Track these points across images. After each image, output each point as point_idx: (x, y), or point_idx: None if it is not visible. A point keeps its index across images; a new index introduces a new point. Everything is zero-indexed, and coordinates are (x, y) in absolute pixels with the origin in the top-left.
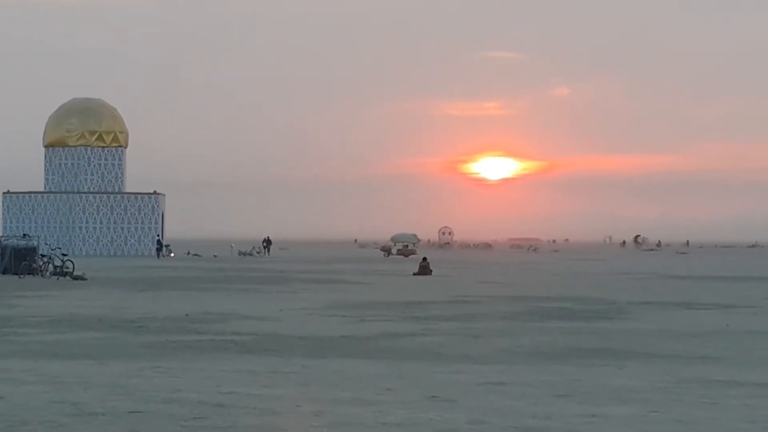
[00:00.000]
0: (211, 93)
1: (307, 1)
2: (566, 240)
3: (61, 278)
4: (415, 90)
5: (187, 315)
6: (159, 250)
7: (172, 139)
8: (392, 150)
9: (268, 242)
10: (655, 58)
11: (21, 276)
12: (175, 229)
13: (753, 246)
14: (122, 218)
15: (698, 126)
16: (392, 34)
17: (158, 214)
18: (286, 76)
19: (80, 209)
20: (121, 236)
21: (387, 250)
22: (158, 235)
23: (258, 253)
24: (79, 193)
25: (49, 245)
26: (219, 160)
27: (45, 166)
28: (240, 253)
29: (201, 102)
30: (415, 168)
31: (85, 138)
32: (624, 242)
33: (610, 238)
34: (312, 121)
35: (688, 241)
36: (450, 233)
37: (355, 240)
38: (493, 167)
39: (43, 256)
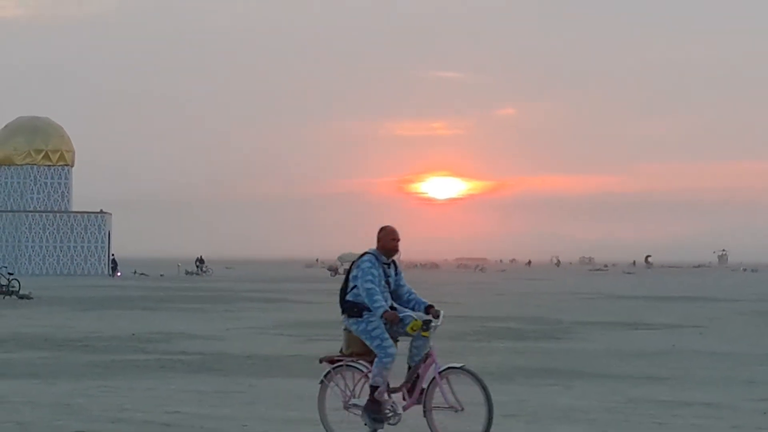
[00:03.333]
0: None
1: (256, 21)
2: (512, 260)
3: (7, 297)
4: (361, 110)
5: (133, 334)
6: (114, 269)
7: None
8: (339, 169)
9: (200, 261)
10: (600, 78)
11: None
12: (121, 248)
13: (698, 266)
14: (69, 237)
15: (644, 146)
16: (339, 54)
17: (105, 233)
18: (233, 95)
19: (26, 228)
20: (67, 255)
21: (334, 270)
22: (113, 255)
23: (204, 272)
24: (25, 212)
25: None
26: (166, 179)
27: None
28: (187, 272)
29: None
30: (363, 187)
31: (32, 156)
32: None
33: (558, 259)
34: (260, 139)
35: (634, 261)
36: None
37: (317, 260)
38: (441, 187)
39: None
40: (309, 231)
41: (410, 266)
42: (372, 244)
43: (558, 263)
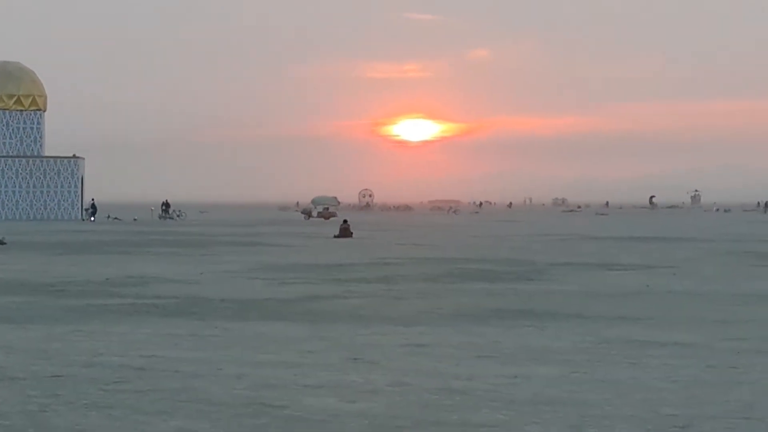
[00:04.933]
0: (131, 55)
1: None
2: (488, 202)
3: None
4: (334, 52)
5: (107, 279)
6: (93, 213)
7: (91, 102)
8: (312, 112)
9: (166, 206)
10: (573, 20)
11: None
12: (95, 192)
13: (672, 207)
14: (42, 182)
15: (616, 87)
16: None
17: (78, 178)
18: (206, 39)
19: None
20: (40, 200)
21: (307, 213)
22: (92, 199)
23: (179, 216)
24: None
25: None
26: (138, 124)
27: None
28: (160, 217)
29: (121, 63)
30: (335, 130)
31: (3, 101)
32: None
33: (530, 200)
34: (232, 83)
35: (607, 202)
36: (370, 195)
37: (297, 203)
38: (414, 129)
39: None
40: (282, 174)
41: (384, 209)
42: (345, 187)
43: (533, 203)
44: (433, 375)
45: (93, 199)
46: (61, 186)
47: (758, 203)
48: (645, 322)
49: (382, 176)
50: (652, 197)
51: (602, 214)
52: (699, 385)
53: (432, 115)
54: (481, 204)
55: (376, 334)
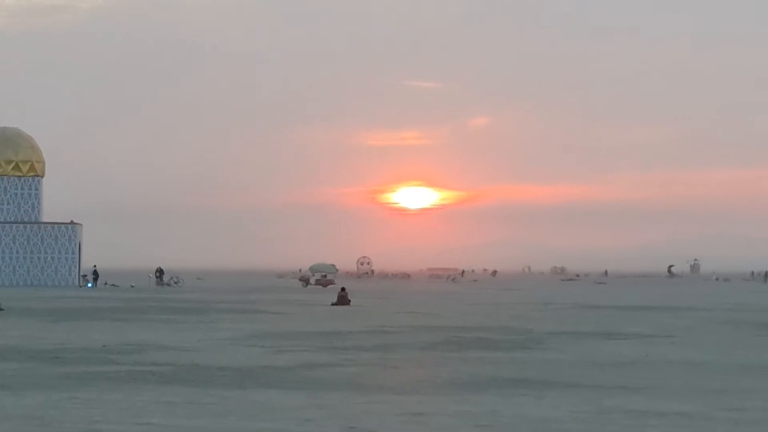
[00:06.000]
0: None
1: (227, 30)
2: (485, 270)
3: None
4: (334, 119)
5: (104, 345)
6: (95, 279)
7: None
8: (312, 179)
9: (160, 272)
10: (572, 88)
11: None
12: (92, 258)
13: (672, 275)
14: (39, 248)
15: (617, 155)
16: (312, 64)
17: (75, 244)
18: (204, 105)
19: None
20: (38, 266)
21: (305, 280)
22: (94, 265)
23: (176, 283)
24: None
25: None
26: (138, 189)
27: None
28: (157, 284)
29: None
30: (335, 197)
31: (1, 167)
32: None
33: (529, 268)
34: (231, 149)
35: (606, 271)
36: (368, 263)
37: (300, 270)
38: (413, 197)
39: None
40: (280, 240)
41: (382, 277)
42: (343, 254)
43: (531, 271)
44: None
45: (95, 266)
46: (59, 252)
47: (752, 273)
48: (644, 391)
49: (380, 244)
50: (671, 266)
51: (601, 283)
52: None
53: (431, 182)
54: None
55: (373, 403)
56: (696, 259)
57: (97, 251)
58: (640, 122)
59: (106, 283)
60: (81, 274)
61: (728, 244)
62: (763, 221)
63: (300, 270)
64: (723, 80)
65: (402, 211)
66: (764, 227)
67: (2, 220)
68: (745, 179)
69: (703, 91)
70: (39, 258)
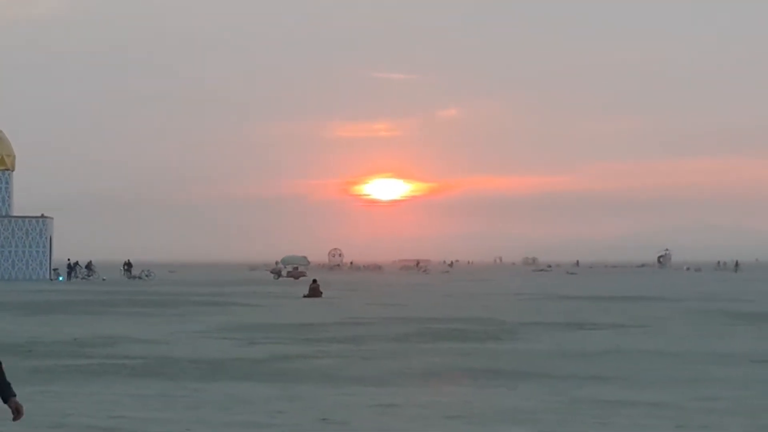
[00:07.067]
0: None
1: (197, 21)
2: (456, 261)
3: None
4: (303, 111)
5: (76, 339)
6: (69, 273)
7: (60, 161)
8: (282, 171)
9: (128, 265)
10: (542, 79)
11: None
12: (63, 252)
13: (642, 266)
14: (10, 242)
15: (586, 146)
16: (281, 55)
17: (46, 238)
18: (173, 96)
19: None
20: (8, 260)
21: (277, 273)
22: (68, 259)
23: (147, 276)
24: None
25: None
26: (107, 182)
27: None
28: (127, 277)
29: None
30: (306, 189)
31: None
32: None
33: (501, 259)
34: (201, 141)
35: (578, 261)
36: (340, 255)
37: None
38: (384, 188)
39: None
40: (252, 233)
41: (354, 269)
42: (315, 246)
43: (503, 262)
44: None
45: (69, 260)
46: (30, 246)
47: (718, 262)
48: (616, 381)
49: (352, 235)
50: (660, 256)
51: (572, 274)
52: None
53: (402, 174)
54: (452, 263)
55: (345, 395)
56: (667, 249)
57: (67, 244)
58: (610, 113)
59: (89, 275)
60: (52, 267)
61: (698, 234)
62: (735, 210)
63: (276, 262)
64: (690, 71)
65: (374, 203)
66: (737, 216)
67: None
68: (717, 168)
69: (670, 82)
70: (10, 252)
